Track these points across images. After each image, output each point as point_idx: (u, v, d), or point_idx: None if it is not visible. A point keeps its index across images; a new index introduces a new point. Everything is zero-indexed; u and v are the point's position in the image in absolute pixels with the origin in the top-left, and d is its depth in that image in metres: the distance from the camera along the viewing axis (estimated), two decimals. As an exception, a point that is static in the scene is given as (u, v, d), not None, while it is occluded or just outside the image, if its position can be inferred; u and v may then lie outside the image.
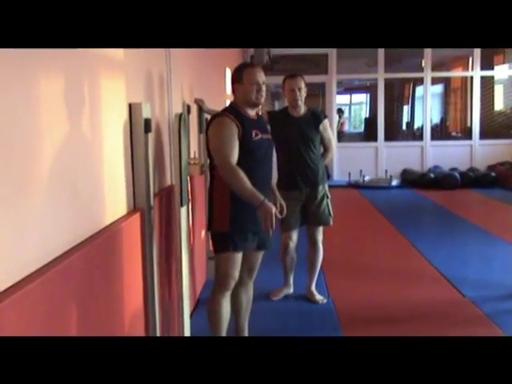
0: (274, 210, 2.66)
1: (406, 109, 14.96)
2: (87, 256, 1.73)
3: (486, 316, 3.63)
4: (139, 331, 2.35)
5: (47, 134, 1.58)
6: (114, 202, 2.16)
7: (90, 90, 1.96)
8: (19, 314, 1.28)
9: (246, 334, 3.18)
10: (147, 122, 2.41)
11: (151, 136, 2.47)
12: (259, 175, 2.81)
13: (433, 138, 11.01)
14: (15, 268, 1.35)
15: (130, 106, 2.37)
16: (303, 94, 3.84)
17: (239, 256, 2.86)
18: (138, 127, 2.38)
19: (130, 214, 2.29)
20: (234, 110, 2.83)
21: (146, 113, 2.45)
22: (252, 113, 2.89)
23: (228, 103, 3.09)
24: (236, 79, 2.87)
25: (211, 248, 2.97)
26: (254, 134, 2.79)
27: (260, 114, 3.28)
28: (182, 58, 3.68)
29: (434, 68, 10.96)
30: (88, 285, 1.74)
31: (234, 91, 2.91)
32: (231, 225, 2.79)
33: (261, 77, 2.83)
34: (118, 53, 2.29)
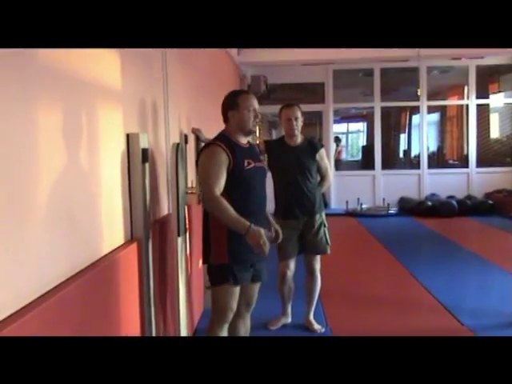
0: (262, 231, 2.59)
1: (403, 137, 15.06)
2: (84, 286, 1.73)
3: (485, 345, 3.61)
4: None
5: (45, 166, 1.60)
6: (112, 231, 2.17)
7: (88, 120, 1.99)
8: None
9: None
10: (145, 152, 2.43)
11: (148, 165, 2.50)
12: (253, 204, 2.78)
13: (430, 165, 11.07)
14: (12, 299, 1.35)
15: (128, 136, 2.40)
16: (300, 123, 3.88)
17: (238, 288, 2.81)
18: (136, 157, 2.41)
19: (127, 243, 2.30)
20: (225, 139, 2.77)
21: (144, 143, 2.47)
22: (244, 141, 2.83)
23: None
24: (230, 106, 2.80)
25: (208, 280, 2.93)
26: (246, 163, 2.74)
27: (255, 142, 3.28)
28: (179, 88, 3.74)
29: (430, 97, 11.09)
30: (85, 315, 1.74)
31: (226, 119, 2.84)
32: (229, 257, 2.73)
33: (256, 103, 2.81)
34: (115, 83, 2.32)
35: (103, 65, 2.16)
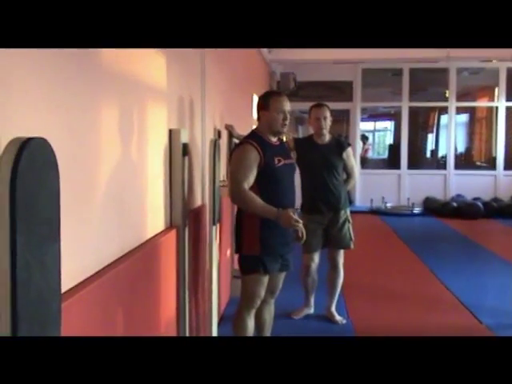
0: (290, 211, 2.76)
1: (431, 137, 15.04)
2: (132, 265, 1.94)
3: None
4: (172, 333, 2.55)
5: (103, 157, 1.82)
6: (154, 218, 2.38)
7: (138, 117, 2.20)
8: (82, 310, 1.49)
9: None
10: (185, 147, 2.63)
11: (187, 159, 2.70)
12: (283, 199, 2.93)
13: (457, 166, 11.07)
14: (78, 270, 1.56)
15: (170, 131, 2.60)
16: (328, 122, 4.04)
17: (267, 277, 3.01)
18: (177, 151, 2.61)
19: (167, 229, 2.51)
20: (257, 137, 2.95)
21: (184, 137, 2.68)
22: (274, 139, 3.01)
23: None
24: (262, 106, 2.98)
25: (238, 269, 3.14)
26: (276, 161, 2.91)
27: (284, 139, 3.42)
28: (214, 86, 3.93)
29: (460, 98, 11.08)
30: (132, 290, 1.95)
31: (258, 118, 3.03)
32: (261, 249, 2.91)
33: (287, 105, 2.96)
34: (161, 82, 2.53)
35: (151, 66, 2.37)
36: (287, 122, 2.97)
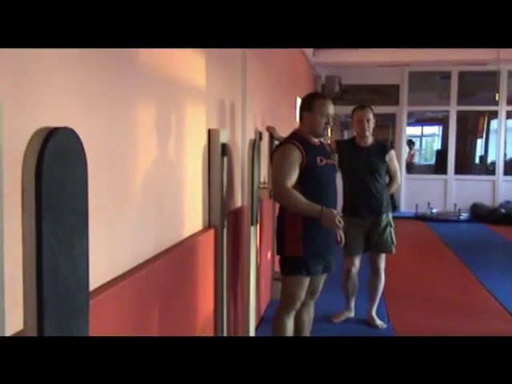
0: (334, 211, 2.75)
1: (480, 142, 14.63)
2: (168, 263, 1.95)
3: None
4: (209, 334, 2.55)
5: (141, 157, 1.84)
6: (193, 218, 2.39)
7: (177, 117, 2.22)
8: (114, 306, 1.51)
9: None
10: (224, 147, 2.64)
11: (226, 159, 2.70)
12: (325, 198, 2.90)
13: (506, 172, 10.74)
14: (113, 266, 1.58)
15: (209, 131, 2.61)
16: (371, 125, 3.98)
17: (308, 279, 2.98)
18: (216, 151, 2.62)
19: (205, 229, 2.52)
20: (298, 137, 2.94)
21: (223, 138, 2.68)
22: (315, 140, 2.99)
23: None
24: (306, 108, 2.97)
25: (279, 270, 3.12)
26: (319, 160, 2.89)
27: (328, 141, 3.39)
28: (256, 88, 3.93)
29: (511, 101, 10.74)
30: (167, 289, 1.96)
31: (301, 118, 3.02)
32: (304, 250, 2.88)
33: (331, 109, 2.94)
34: (200, 82, 2.54)
35: (191, 66, 2.38)
36: (329, 126, 2.96)
